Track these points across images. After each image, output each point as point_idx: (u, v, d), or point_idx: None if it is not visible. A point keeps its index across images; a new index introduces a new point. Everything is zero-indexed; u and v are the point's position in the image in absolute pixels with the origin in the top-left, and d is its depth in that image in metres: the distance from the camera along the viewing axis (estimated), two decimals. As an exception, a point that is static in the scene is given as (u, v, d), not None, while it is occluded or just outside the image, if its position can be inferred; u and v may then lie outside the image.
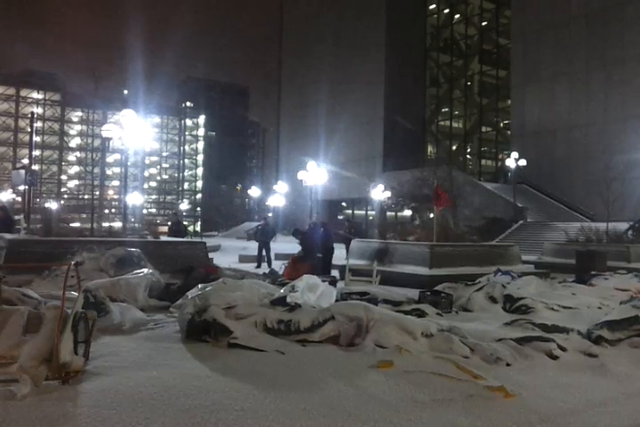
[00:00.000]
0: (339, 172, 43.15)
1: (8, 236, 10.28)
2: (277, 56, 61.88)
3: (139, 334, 5.51)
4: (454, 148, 47.69)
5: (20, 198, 31.24)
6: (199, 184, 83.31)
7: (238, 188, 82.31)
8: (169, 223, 18.51)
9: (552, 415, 3.41)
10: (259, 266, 15.92)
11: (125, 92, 71.35)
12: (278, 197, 42.62)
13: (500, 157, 42.59)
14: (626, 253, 15.39)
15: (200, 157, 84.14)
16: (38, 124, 62.98)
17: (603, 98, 31.85)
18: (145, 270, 8.01)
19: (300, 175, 25.22)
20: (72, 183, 73.47)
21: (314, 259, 11.38)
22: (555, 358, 4.76)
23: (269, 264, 15.91)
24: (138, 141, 15.14)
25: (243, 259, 18.05)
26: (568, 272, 12.42)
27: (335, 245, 13.01)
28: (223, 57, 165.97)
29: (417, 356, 4.61)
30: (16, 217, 17.51)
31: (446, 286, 8.40)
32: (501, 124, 43.50)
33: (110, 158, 63.93)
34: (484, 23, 44.85)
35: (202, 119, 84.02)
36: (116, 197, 66.50)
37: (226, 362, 4.39)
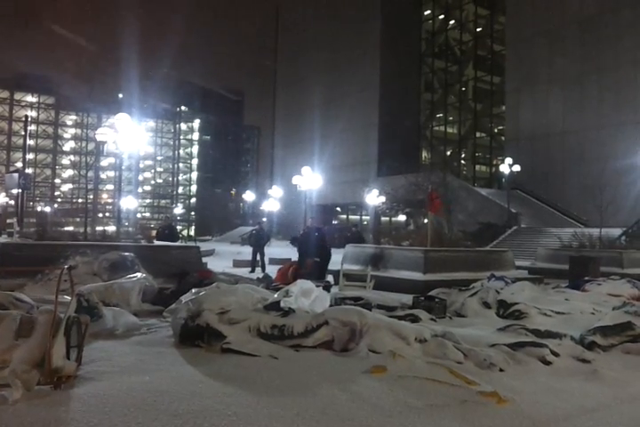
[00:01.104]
0: (333, 176, 43.18)
1: (1, 240, 10.24)
2: (273, 61, 62.00)
3: (132, 338, 5.48)
4: (449, 153, 47.85)
5: (13, 202, 31.14)
6: (193, 188, 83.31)
7: (233, 192, 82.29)
8: (159, 228, 18.35)
9: (545, 421, 3.41)
10: (253, 271, 15.88)
11: (120, 95, 71.35)
12: (273, 202, 42.58)
13: (495, 162, 42.72)
14: (619, 259, 15.40)
15: (195, 162, 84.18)
16: (32, 128, 62.85)
17: (597, 103, 32.03)
18: (138, 275, 7.98)
19: (295, 180, 25.21)
20: (66, 187, 73.36)
21: (308, 261, 11.37)
22: (548, 363, 4.77)
23: (263, 269, 15.86)
24: (132, 145, 15.09)
25: (237, 263, 18.01)
26: (561, 278, 12.43)
27: (335, 249, 12.94)
28: (219, 61, 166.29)
29: (410, 361, 4.60)
30: (9, 221, 17.44)
31: (440, 291, 8.39)
32: (496, 130, 43.65)
33: (104, 162, 63.82)
34: (478, 29, 45.10)
35: (196, 123, 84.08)
36: (109, 200, 66.44)
37: (219, 367, 4.37)
